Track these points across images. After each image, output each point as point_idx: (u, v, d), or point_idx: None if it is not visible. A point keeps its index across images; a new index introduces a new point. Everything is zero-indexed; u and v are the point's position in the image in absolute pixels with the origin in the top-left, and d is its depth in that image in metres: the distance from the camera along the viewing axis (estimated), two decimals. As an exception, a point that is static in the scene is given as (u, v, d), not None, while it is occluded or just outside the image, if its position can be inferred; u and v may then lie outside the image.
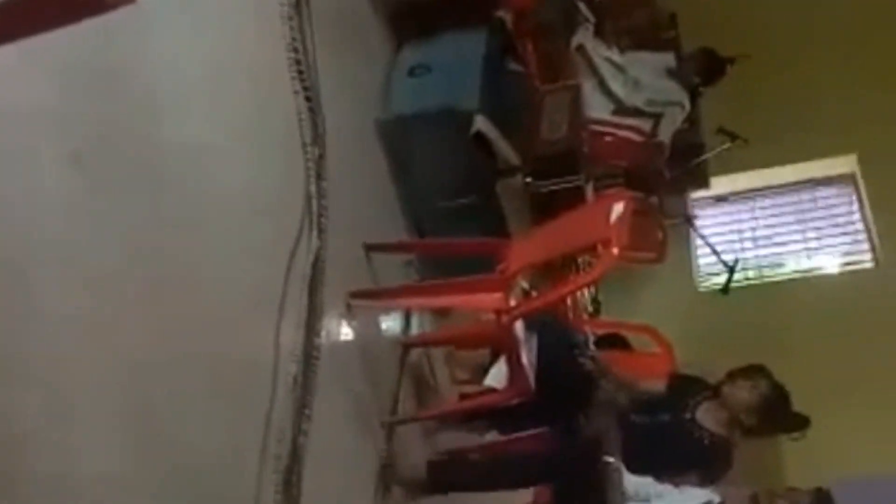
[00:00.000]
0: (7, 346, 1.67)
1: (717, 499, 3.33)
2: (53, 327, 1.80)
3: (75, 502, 1.77)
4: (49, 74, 1.90)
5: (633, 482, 3.27)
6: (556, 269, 4.50)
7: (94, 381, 1.89)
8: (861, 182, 6.82)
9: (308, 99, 3.08)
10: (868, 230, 6.68)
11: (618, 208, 3.12)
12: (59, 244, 1.87)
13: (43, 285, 1.80)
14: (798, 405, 3.48)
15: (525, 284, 3.99)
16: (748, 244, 6.77)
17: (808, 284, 6.53)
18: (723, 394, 3.48)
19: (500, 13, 4.23)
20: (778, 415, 3.43)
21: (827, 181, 7.00)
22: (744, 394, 3.44)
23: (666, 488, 3.31)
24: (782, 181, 6.98)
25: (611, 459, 3.22)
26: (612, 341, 4.81)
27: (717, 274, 6.13)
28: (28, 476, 1.67)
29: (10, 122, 1.78)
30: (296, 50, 3.06)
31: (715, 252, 5.85)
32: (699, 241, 6.22)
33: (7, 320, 1.69)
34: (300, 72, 3.05)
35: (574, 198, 4.41)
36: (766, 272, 6.71)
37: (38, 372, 1.74)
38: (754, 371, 3.52)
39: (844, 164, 6.92)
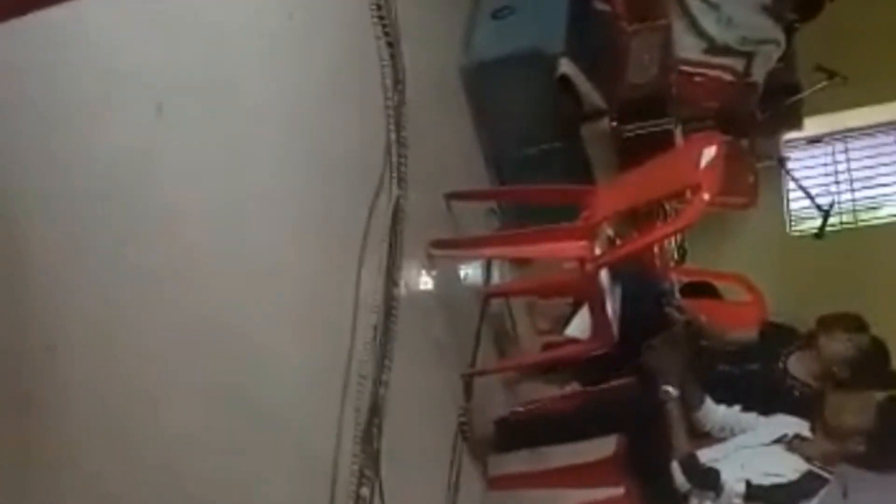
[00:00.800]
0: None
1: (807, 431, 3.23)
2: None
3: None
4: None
5: (719, 414, 3.19)
6: (642, 217, 4.42)
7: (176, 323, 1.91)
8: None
9: (389, 45, 3.03)
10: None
11: (708, 152, 3.03)
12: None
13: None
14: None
15: (611, 232, 3.91)
16: (843, 187, 6.56)
17: (909, 228, 6.33)
18: (819, 345, 3.38)
19: (588, -49, 4.12)
20: (875, 371, 3.31)
21: (929, 120, 6.75)
22: (840, 346, 3.33)
23: (753, 419, 3.21)
24: (878, 121, 6.74)
25: (669, 389, 3.12)
26: (701, 290, 4.73)
27: (811, 218, 5.95)
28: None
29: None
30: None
31: (808, 195, 5.68)
32: (792, 185, 6.05)
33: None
34: (381, 17, 2.99)
35: (662, 141, 4.31)
36: (862, 216, 6.50)
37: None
38: (851, 322, 3.41)
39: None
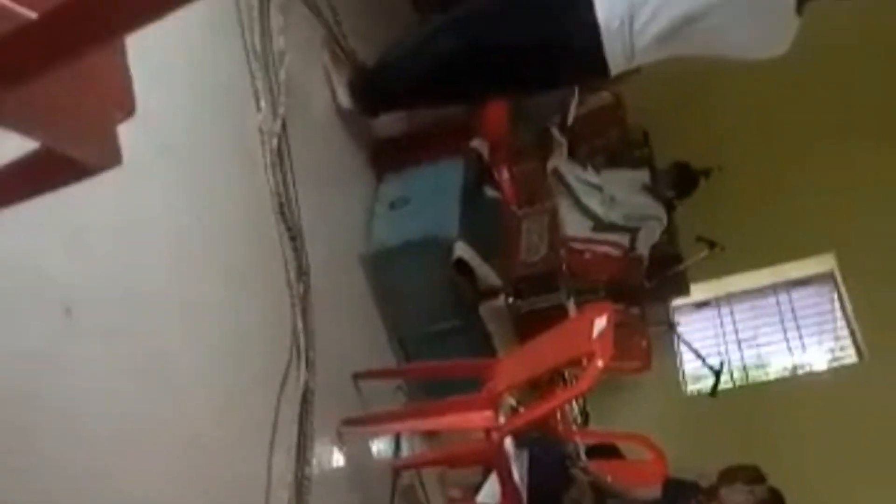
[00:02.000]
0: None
1: None
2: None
3: None
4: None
5: None
6: (543, 385, 4.55)
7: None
8: (840, 279, 6.88)
9: (292, 239, 3.17)
10: (850, 326, 6.72)
11: (600, 322, 3.17)
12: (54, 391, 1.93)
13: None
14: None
15: (513, 401, 4.03)
16: (732, 347, 6.79)
17: (795, 383, 6.53)
18: (720, 497, 3.49)
19: (475, 143, 4.35)
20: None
21: (806, 281, 7.06)
22: (740, 497, 3.45)
23: None
24: (762, 283, 7.05)
25: None
26: (606, 451, 4.82)
27: (705, 378, 6.15)
28: None
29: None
30: (279, 194, 3.16)
31: (700, 357, 5.89)
32: (684, 347, 6.27)
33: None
34: (283, 213, 3.15)
35: (556, 314, 4.49)
36: (752, 373, 6.72)
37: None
38: (750, 474, 3.53)
39: (822, 263, 6.99)
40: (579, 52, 3.34)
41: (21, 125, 1.15)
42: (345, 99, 3.80)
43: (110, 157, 1.28)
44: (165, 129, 2.53)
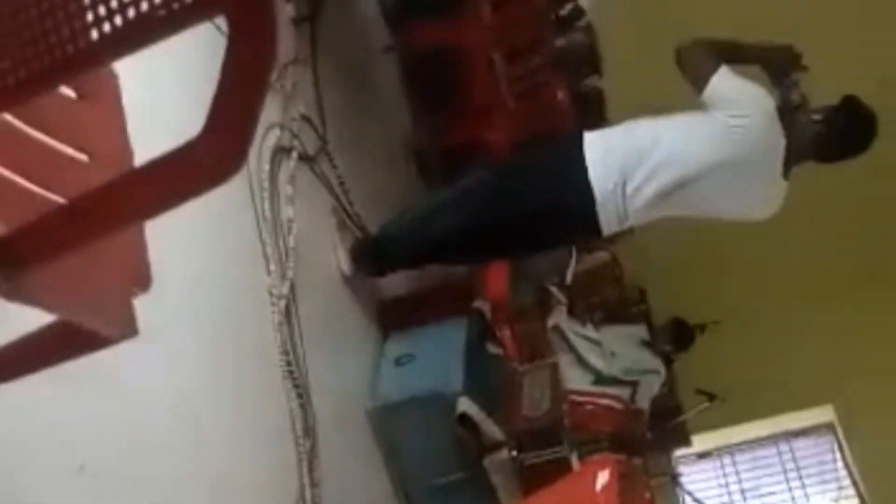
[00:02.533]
0: None
1: None
2: None
3: None
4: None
5: None
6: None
7: None
8: (840, 430, 6.85)
9: (299, 395, 3.23)
10: (852, 475, 6.66)
11: (603, 476, 3.19)
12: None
13: None
14: None
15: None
16: (736, 497, 6.72)
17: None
18: None
19: (478, 304, 4.44)
20: None
21: (806, 431, 7.04)
22: None
23: None
24: (762, 434, 7.02)
25: None
26: None
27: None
28: None
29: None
30: (286, 352, 3.23)
31: (702, 507, 5.84)
32: (688, 498, 6.20)
33: None
34: (291, 372, 3.21)
35: (560, 467, 4.47)
36: (757, 524, 6.63)
37: None
38: None
39: (822, 414, 6.98)
40: (574, 215, 3.46)
41: (42, 302, 1.23)
42: (346, 265, 3.89)
43: (126, 329, 1.36)
44: (176, 293, 2.62)
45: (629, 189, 3.35)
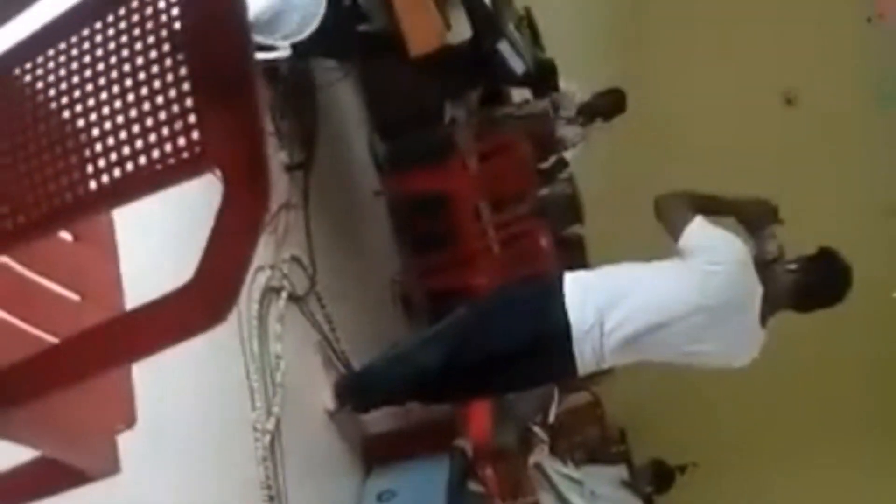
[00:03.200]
0: None
1: None
2: None
3: None
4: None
5: None
6: None
7: None
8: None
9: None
10: None
11: None
12: None
13: None
14: None
15: None
16: None
17: None
18: None
19: (460, 442, 4.39)
20: None
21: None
22: None
23: None
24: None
25: None
26: None
27: None
28: None
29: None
30: (269, 486, 3.18)
31: None
32: None
33: None
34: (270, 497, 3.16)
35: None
36: None
37: None
38: None
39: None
40: (551, 353, 3.44)
41: (28, 440, 1.23)
42: (329, 402, 3.84)
43: (109, 466, 1.35)
44: (158, 426, 2.59)
45: (606, 330, 3.34)
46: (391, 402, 3.95)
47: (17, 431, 1.23)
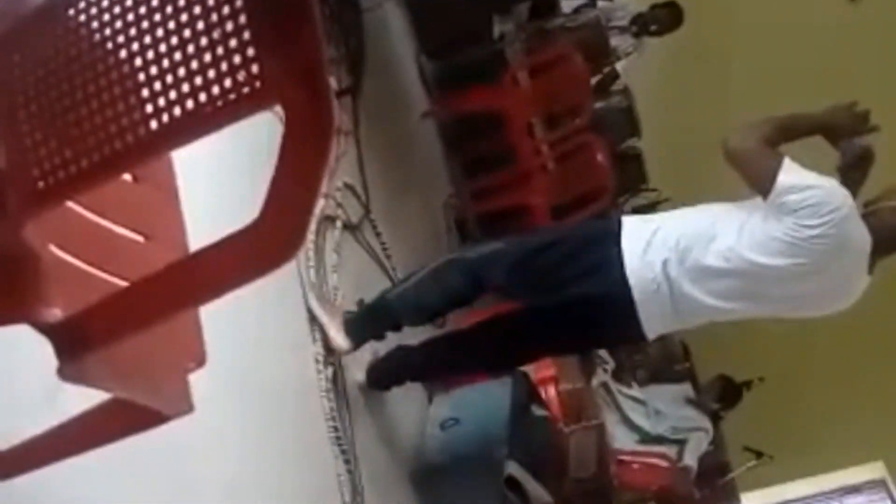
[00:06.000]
0: None
1: None
2: None
3: None
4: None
5: None
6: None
7: None
8: (892, 485, 6.71)
9: (346, 461, 3.22)
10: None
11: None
12: None
13: None
14: None
15: None
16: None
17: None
18: None
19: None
20: None
21: (858, 488, 6.90)
22: None
23: None
24: (813, 491, 6.88)
25: None
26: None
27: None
28: None
29: None
30: (333, 418, 3.24)
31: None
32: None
33: None
34: (337, 437, 3.21)
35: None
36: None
37: None
38: None
39: (872, 470, 6.84)
40: (609, 316, 3.01)
41: (104, 383, 1.25)
42: (342, 340, 3.33)
43: (183, 406, 1.38)
44: (222, 364, 2.63)
45: (675, 286, 2.90)
46: (414, 318, 3.41)
47: (90, 375, 1.25)
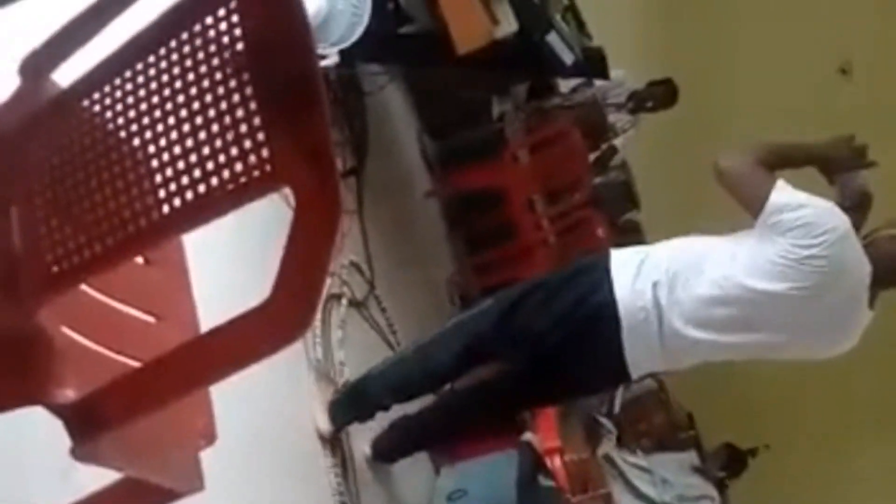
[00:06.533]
0: None
1: None
2: None
3: None
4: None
5: None
6: None
7: None
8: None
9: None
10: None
11: None
12: None
13: None
14: None
15: None
16: None
17: None
18: None
19: (527, 436, 4.39)
20: None
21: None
22: None
23: None
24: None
25: None
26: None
27: None
28: None
29: None
30: (341, 493, 3.21)
31: None
32: None
33: None
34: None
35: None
36: None
37: None
38: None
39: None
40: (595, 348, 2.81)
41: (114, 462, 1.25)
42: (322, 422, 3.23)
43: (193, 483, 1.37)
44: (226, 439, 2.62)
45: (666, 314, 2.72)
46: (393, 398, 3.24)
47: (103, 455, 1.25)
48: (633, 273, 2.76)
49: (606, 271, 2.78)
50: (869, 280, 2.64)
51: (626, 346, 2.73)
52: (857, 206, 2.71)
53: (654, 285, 2.71)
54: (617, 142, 5.85)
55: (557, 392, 3.28)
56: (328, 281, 3.58)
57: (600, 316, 2.74)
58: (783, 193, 2.60)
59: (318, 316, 3.42)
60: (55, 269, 1.15)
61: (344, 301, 3.69)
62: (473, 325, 3.05)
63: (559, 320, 2.81)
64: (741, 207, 2.68)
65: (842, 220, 2.58)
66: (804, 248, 2.56)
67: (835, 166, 2.75)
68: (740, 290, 2.65)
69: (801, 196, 2.62)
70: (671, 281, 2.72)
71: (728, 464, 6.14)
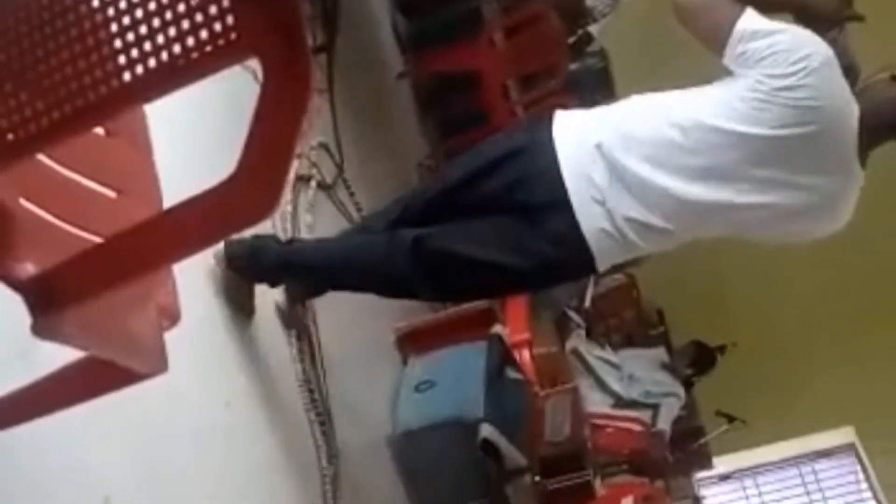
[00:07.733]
0: None
1: None
2: None
3: None
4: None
5: None
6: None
7: None
8: (862, 450, 6.82)
9: (321, 423, 3.23)
10: (876, 496, 6.62)
11: (627, 501, 3.19)
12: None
13: None
14: None
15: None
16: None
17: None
18: None
19: (497, 329, 4.44)
20: None
21: (828, 452, 7.01)
22: None
23: None
24: (784, 455, 6.98)
25: None
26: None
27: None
28: None
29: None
30: (308, 381, 3.24)
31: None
32: (711, 521, 6.17)
33: None
34: (313, 400, 3.22)
35: (583, 491, 4.48)
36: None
37: None
38: None
39: (843, 435, 6.94)
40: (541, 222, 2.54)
41: (77, 340, 1.24)
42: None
43: (157, 365, 1.37)
44: (191, 320, 2.63)
45: (620, 177, 2.42)
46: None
47: (64, 331, 1.25)
48: (577, 134, 2.54)
49: (549, 131, 2.58)
50: (858, 126, 2.31)
51: (580, 220, 2.44)
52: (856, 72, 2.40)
53: (602, 147, 2.45)
54: (593, 28, 5.77)
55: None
56: (296, 162, 3.55)
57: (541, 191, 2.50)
58: (753, 20, 2.28)
59: (289, 199, 3.40)
60: (10, 136, 1.12)
61: (313, 184, 3.66)
62: (410, 197, 2.92)
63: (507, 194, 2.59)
64: (707, 48, 2.35)
65: (824, 47, 2.26)
66: (777, 77, 2.24)
67: (815, 14, 2.39)
68: (704, 131, 2.33)
69: (776, 23, 2.29)
70: (625, 140, 2.44)
71: (696, 361, 6.25)
